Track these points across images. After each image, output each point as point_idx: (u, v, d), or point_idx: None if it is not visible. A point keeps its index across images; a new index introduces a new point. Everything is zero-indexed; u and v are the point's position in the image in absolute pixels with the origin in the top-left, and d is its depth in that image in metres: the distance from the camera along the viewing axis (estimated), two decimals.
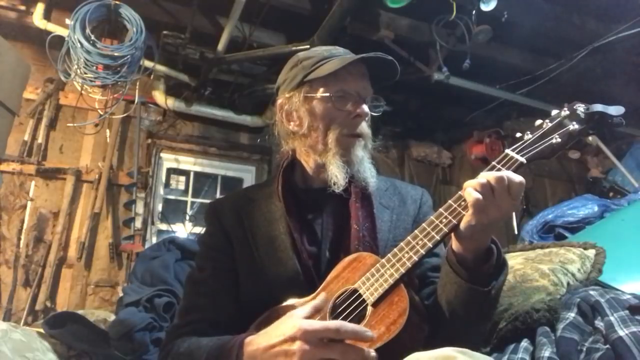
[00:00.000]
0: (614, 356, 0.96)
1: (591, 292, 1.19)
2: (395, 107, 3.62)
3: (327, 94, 1.05)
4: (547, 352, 1.04)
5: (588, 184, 3.98)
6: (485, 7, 2.61)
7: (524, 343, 1.14)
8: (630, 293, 1.19)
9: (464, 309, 0.89)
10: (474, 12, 2.71)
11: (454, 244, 0.89)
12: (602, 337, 1.04)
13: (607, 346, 0.99)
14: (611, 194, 3.36)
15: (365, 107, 1.06)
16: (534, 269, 1.41)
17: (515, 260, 1.52)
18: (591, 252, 1.49)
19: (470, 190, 0.82)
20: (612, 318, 1.05)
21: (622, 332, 0.98)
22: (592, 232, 1.98)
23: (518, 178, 0.81)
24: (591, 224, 2.16)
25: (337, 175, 1.03)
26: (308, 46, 2.74)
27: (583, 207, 2.28)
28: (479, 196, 0.81)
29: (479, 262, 0.88)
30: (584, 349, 1.04)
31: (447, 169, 4.64)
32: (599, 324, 1.07)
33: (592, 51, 3.05)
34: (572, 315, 1.14)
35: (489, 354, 1.18)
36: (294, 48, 2.87)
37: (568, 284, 1.35)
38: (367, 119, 1.08)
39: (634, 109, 3.32)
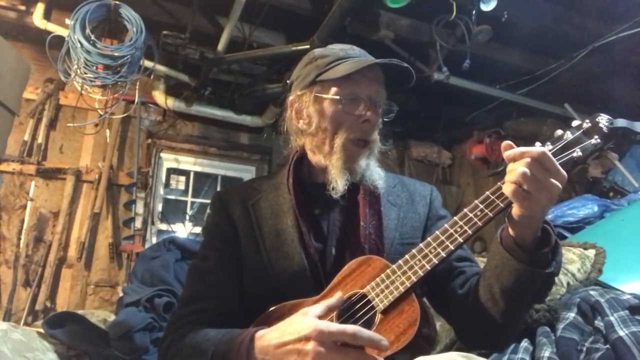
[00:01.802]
0: (614, 356, 0.96)
1: (591, 292, 1.19)
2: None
3: (338, 97, 1.04)
4: (547, 352, 1.03)
5: (588, 184, 3.97)
6: (485, 7, 2.61)
7: (524, 343, 1.13)
8: (630, 293, 1.19)
9: (523, 294, 0.88)
10: (474, 12, 2.70)
11: (512, 231, 0.86)
12: (602, 337, 1.04)
13: (607, 346, 0.99)
14: (611, 194, 3.35)
15: (375, 113, 1.04)
16: None
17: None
18: (591, 252, 1.49)
19: (509, 184, 0.80)
20: (612, 318, 1.04)
21: (622, 332, 0.98)
22: (592, 232, 1.98)
23: (536, 150, 0.78)
24: (591, 224, 2.15)
25: (337, 180, 1.03)
26: (308, 46, 2.74)
27: (583, 207, 2.28)
28: (516, 187, 0.78)
29: (538, 245, 0.86)
30: (584, 349, 1.04)
31: (447, 169, 4.64)
32: (599, 324, 1.07)
33: (592, 51, 3.05)
34: (572, 315, 1.14)
35: (489, 354, 1.18)
36: (294, 48, 2.87)
37: (568, 284, 1.35)
38: (376, 123, 1.06)
39: (634, 108, 3.33)
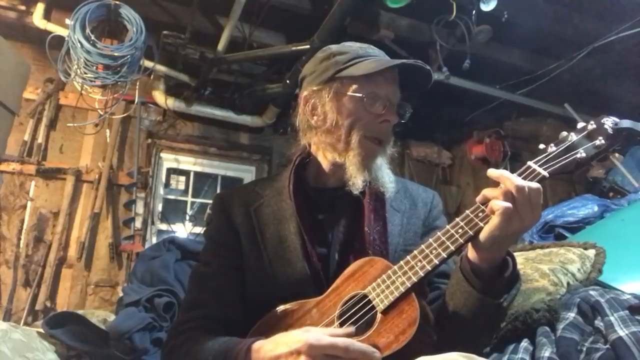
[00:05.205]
0: (614, 356, 0.96)
1: (591, 292, 1.19)
2: None
3: (359, 94, 1.02)
4: (547, 352, 1.03)
5: (588, 184, 3.98)
6: (485, 7, 2.61)
7: (524, 343, 1.13)
8: (630, 293, 1.19)
9: (471, 319, 0.88)
10: (474, 12, 2.70)
11: (470, 254, 0.87)
12: (602, 337, 1.04)
13: (607, 346, 0.99)
14: (611, 194, 3.35)
15: (393, 114, 1.04)
16: (534, 269, 1.41)
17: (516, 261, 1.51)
18: (591, 252, 1.49)
19: (497, 200, 0.80)
20: (612, 318, 1.04)
21: (622, 332, 0.98)
22: (592, 232, 1.98)
23: (535, 185, 0.80)
24: (591, 224, 2.16)
25: (355, 176, 1.02)
26: (308, 46, 2.74)
27: (583, 207, 2.28)
28: (509, 204, 0.79)
29: (494, 274, 0.86)
30: (584, 349, 1.04)
31: (447, 169, 4.64)
32: (599, 324, 1.07)
33: (592, 51, 3.05)
34: (572, 315, 1.14)
35: (489, 354, 1.18)
36: (294, 48, 2.87)
37: (568, 284, 1.35)
38: (394, 124, 1.06)
39: (634, 108, 3.33)
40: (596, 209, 2.25)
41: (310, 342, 0.74)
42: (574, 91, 3.55)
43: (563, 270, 1.38)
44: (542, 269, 1.39)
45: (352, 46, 1.09)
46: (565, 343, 1.05)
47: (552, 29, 3.05)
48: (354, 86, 1.03)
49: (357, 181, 1.01)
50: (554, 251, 1.52)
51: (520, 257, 1.54)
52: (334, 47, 1.10)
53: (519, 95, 3.58)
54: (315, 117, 1.08)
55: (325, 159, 1.09)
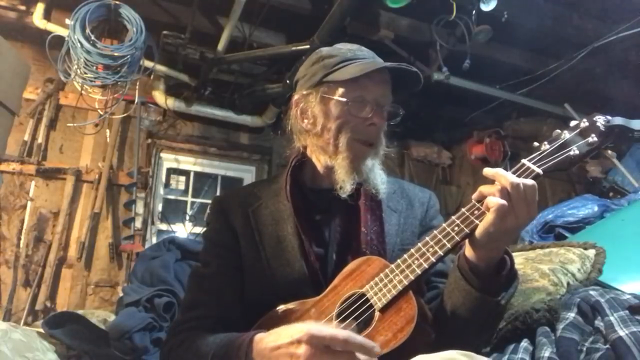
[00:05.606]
0: (614, 356, 0.96)
1: (591, 292, 1.19)
2: None
3: (345, 99, 1.02)
4: (547, 352, 1.04)
5: (588, 184, 3.98)
6: (485, 7, 2.61)
7: (524, 343, 1.14)
8: (630, 293, 1.19)
9: (469, 317, 0.88)
10: (474, 12, 2.70)
11: (468, 252, 0.87)
12: (602, 337, 1.04)
13: (607, 346, 1.00)
14: (611, 194, 3.35)
15: (381, 116, 1.04)
16: (534, 269, 1.42)
17: (515, 260, 1.52)
18: (591, 252, 1.49)
19: (492, 197, 0.81)
20: (612, 318, 1.05)
21: (622, 332, 0.98)
22: (592, 232, 1.98)
23: (530, 182, 0.81)
24: (591, 224, 2.16)
25: (344, 180, 1.02)
26: (308, 46, 2.74)
27: (583, 207, 2.28)
28: (504, 201, 0.79)
29: (492, 272, 0.87)
30: (584, 349, 1.04)
31: (447, 169, 4.64)
32: (599, 324, 1.07)
33: (592, 51, 3.05)
34: (572, 315, 1.14)
35: (489, 354, 1.18)
36: (294, 48, 2.87)
37: (568, 284, 1.35)
38: (382, 127, 1.06)
39: (634, 108, 3.33)
40: (596, 209, 2.25)
41: (312, 332, 0.75)
42: (574, 91, 3.55)
43: (563, 270, 1.38)
44: (542, 269, 1.39)
45: (342, 49, 1.09)
46: (565, 343, 1.05)
47: (552, 29, 3.05)
48: (340, 90, 1.03)
49: (345, 185, 1.02)
50: (554, 251, 1.52)
51: (520, 257, 1.55)
52: (324, 50, 1.11)
53: (519, 95, 3.57)
54: (305, 121, 1.09)
55: (318, 161, 1.10)
